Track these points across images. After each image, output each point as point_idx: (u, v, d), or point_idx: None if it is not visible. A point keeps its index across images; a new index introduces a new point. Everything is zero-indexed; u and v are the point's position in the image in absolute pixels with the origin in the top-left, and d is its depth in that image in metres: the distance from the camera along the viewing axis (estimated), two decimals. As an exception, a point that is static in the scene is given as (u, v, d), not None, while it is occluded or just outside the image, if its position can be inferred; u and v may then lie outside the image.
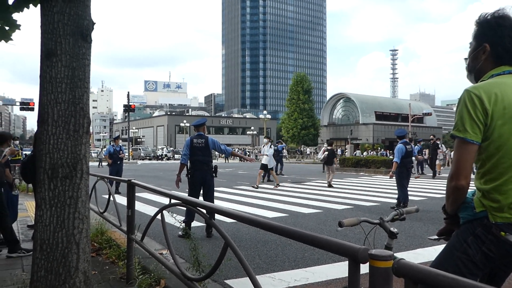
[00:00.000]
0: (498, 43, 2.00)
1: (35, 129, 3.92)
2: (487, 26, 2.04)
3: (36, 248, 2.84)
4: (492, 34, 2.02)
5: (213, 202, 7.22)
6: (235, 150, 7.91)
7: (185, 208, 3.14)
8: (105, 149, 13.35)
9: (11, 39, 3.72)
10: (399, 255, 1.51)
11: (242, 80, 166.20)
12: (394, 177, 10.07)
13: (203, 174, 7.11)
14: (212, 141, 7.29)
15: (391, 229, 2.27)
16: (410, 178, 10.45)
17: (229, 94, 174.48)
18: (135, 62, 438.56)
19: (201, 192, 7.26)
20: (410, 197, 12.09)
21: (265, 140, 16.60)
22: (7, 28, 3.60)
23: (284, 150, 35.41)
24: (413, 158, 11.02)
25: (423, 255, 5.57)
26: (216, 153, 7.60)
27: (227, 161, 48.97)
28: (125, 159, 28.90)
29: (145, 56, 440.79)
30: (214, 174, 7.26)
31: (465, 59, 2.20)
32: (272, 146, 16.47)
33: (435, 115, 76.02)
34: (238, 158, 56.54)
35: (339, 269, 4.86)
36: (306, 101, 69.36)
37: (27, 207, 9.48)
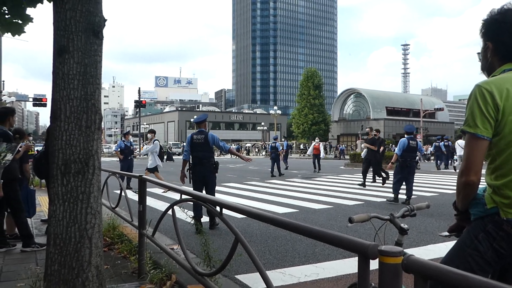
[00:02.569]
0: (499, 41, 2.00)
1: (48, 124, 3.97)
2: (489, 24, 2.04)
3: (49, 243, 2.88)
4: (493, 32, 2.02)
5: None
6: (233, 148, 7.70)
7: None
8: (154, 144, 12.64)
9: (24, 32, 3.77)
10: (410, 251, 1.50)
11: (252, 76, 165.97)
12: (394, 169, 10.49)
13: (202, 169, 7.19)
14: (212, 137, 7.34)
15: (402, 225, 2.26)
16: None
17: (239, 89, 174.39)
18: (146, 58, 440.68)
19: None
20: (421, 193, 12.07)
21: (149, 135, 13.58)
22: (20, 22, 3.66)
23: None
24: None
25: (434, 251, 5.54)
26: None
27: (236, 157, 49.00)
28: (137, 155, 29.04)
29: (156, 52, 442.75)
30: (214, 170, 7.29)
31: (478, 53, 2.19)
32: (157, 141, 13.07)
33: (447, 110, 75.30)
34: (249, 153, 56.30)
35: (349, 265, 4.86)
36: (317, 97, 69.10)
37: (40, 201, 9.60)
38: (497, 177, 1.91)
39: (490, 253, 1.89)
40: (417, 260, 1.24)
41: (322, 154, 22.34)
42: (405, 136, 10.48)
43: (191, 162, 7.34)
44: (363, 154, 15.56)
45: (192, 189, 5.66)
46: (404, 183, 10.22)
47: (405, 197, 10.12)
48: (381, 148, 14.68)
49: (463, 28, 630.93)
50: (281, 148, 20.15)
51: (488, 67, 2.09)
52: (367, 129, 14.61)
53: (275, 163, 19.08)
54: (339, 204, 10.02)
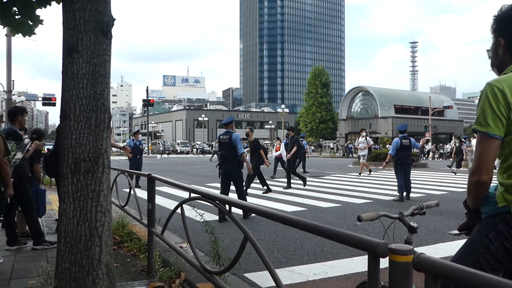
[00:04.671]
0: (511, 36, 1.97)
1: (57, 123, 4.01)
2: (501, 20, 2.02)
3: (60, 241, 2.91)
4: (505, 28, 2.00)
5: (241, 193, 8.07)
6: (245, 154, 8.22)
7: (204, 202, 3.17)
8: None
9: (35, 33, 3.80)
10: (419, 249, 1.50)
11: (260, 74, 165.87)
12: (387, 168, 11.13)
13: (227, 167, 7.93)
14: (235, 136, 7.97)
15: (411, 223, 2.26)
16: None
17: (247, 88, 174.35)
18: (154, 57, 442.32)
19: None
20: (430, 191, 12.01)
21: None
22: (31, 23, 3.69)
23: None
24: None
25: (444, 250, 5.51)
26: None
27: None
28: (145, 152, 28.97)
29: (164, 51, 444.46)
30: (239, 167, 7.98)
31: (487, 50, 2.17)
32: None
33: (456, 108, 74.73)
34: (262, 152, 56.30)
35: (358, 263, 4.85)
36: (324, 95, 68.97)
37: (50, 200, 9.68)
38: (509, 176, 1.89)
39: (501, 252, 1.87)
40: (427, 258, 1.24)
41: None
42: (399, 135, 10.85)
43: (219, 160, 8.19)
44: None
45: (200, 187, 5.67)
46: (397, 178, 10.62)
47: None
48: (294, 149, 13.16)
49: (472, 25, 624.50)
50: (307, 146, 20.07)
51: (499, 64, 2.07)
52: (246, 130, 11.90)
53: (301, 161, 19.34)
54: (348, 202, 9.99)
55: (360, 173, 17.65)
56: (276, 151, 17.15)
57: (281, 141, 16.72)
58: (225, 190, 7.97)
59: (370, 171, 18.12)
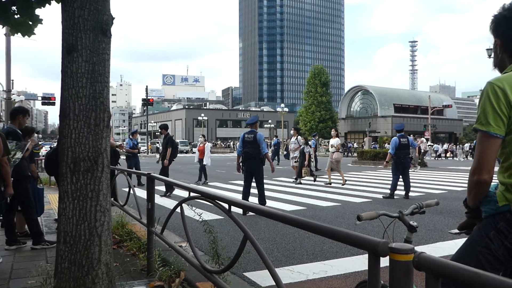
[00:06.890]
0: (507, 38, 1.98)
1: (57, 123, 3.99)
2: (497, 20, 2.02)
3: (59, 240, 2.90)
4: (501, 29, 2.00)
5: (263, 188, 8.82)
6: (269, 154, 8.93)
7: (204, 202, 3.17)
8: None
9: (34, 34, 3.79)
10: (418, 248, 1.49)
11: (259, 73, 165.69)
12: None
13: (251, 163, 8.62)
14: (260, 136, 8.65)
15: (411, 222, 2.26)
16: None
17: (246, 87, 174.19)
18: (153, 56, 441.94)
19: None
20: (430, 190, 12.02)
21: None
22: (30, 23, 3.67)
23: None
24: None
25: (443, 249, 5.51)
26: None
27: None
28: (144, 152, 29.21)
29: (163, 50, 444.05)
30: (261, 164, 8.68)
31: (487, 50, 2.17)
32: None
33: (455, 107, 74.67)
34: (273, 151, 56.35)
35: (358, 262, 4.85)
36: (324, 94, 68.91)
37: (50, 199, 9.67)
38: (510, 175, 1.88)
39: (502, 251, 1.87)
40: (429, 257, 1.23)
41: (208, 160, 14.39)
42: (396, 134, 11.02)
43: (243, 156, 8.71)
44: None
45: (199, 186, 5.69)
46: (401, 179, 10.75)
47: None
48: (169, 150, 11.54)
49: (471, 24, 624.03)
50: (314, 145, 19.88)
51: (499, 64, 2.07)
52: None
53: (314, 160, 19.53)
54: (347, 201, 9.99)
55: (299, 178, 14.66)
56: (199, 151, 14.83)
57: (205, 139, 14.76)
58: (247, 185, 8.74)
59: (297, 179, 14.44)
